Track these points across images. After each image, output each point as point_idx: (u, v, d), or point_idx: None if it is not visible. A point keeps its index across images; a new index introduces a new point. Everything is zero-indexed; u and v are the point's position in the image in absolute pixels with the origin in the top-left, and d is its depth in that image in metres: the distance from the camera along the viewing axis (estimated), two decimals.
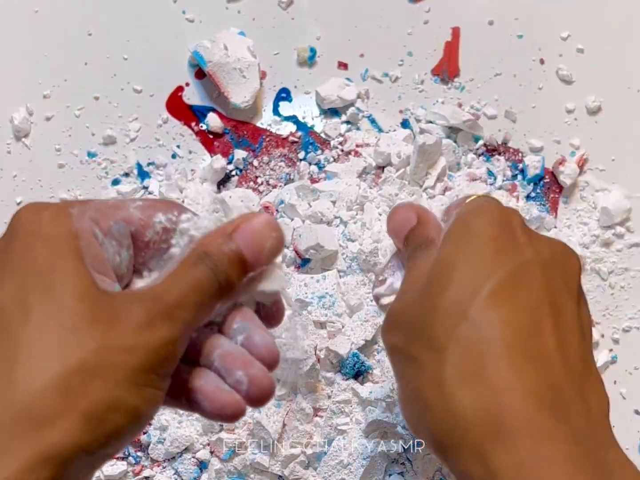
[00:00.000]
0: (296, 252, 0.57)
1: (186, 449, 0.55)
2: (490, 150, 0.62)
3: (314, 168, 0.61)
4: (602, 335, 0.60)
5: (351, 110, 0.62)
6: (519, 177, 0.62)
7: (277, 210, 0.60)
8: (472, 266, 0.35)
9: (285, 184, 0.61)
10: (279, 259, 0.37)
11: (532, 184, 0.62)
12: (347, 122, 0.63)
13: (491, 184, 0.61)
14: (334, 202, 0.59)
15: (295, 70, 0.64)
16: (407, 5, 0.65)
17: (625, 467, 0.33)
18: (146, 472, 0.56)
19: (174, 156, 0.62)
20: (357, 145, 0.61)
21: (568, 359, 0.34)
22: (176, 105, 0.63)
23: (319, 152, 0.62)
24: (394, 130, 0.62)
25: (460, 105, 0.63)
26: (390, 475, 0.55)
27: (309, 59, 0.63)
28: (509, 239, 0.36)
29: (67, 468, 0.29)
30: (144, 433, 0.56)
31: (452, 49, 0.64)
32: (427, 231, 0.40)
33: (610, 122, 0.63)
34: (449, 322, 0.34)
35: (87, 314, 0.31)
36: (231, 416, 0.35)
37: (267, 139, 0.62)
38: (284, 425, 0.54)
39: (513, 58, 0.64)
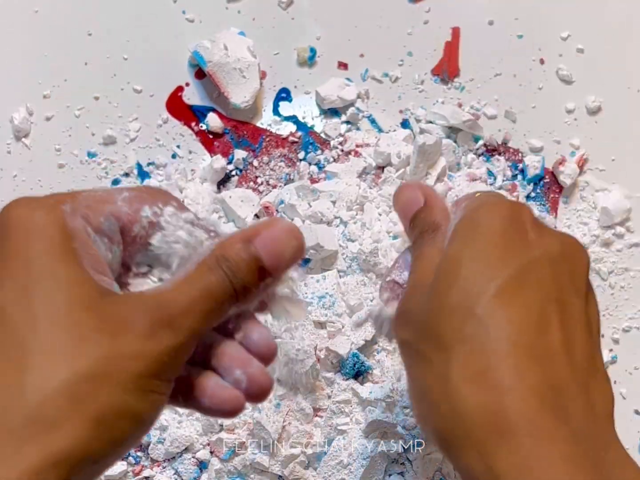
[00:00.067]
0: None
1: (186, 449, 0.55)
2: (490, 150, 0.62)
3: (314, 168, 0.61)
4: (602, 335, 0.60)
5: (351, 110, 0.62)
6: (519, 177, 0.62)
7: (277, 210, 0.60)
8: (480, 263, 0.35)
9: (285, 184, 0.61)
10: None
11: (532, 184, 0.62)
12: (347, 122, 0.63)
13: (491, 184, 0.61)
14: (334, 202, 0.59)
15: (295, 70, 0.64)
16: (407, 5, 0.65)
17: (625, 466, 0.33)
18: (146, 472, 0.56)
19: (174, 156, 0.62)
20: (357, 145, 0.61)
21: (574, 356, 0.34)
22: (176, 105, 0.63)
23: (319, 152, 0.62)
24: (394, 131, 0.62)
25: (460, 105, 0.63)
26: (390, 475, 0.55)
27: (309, 59, 0.63)
28: (517, 235, 0.36)
29: (75, 473, 0.29)
30: None
31: (452, 49, 0.64)
32: (434, 215, 0.40)
33: (610, 122, 0.63)
34: (456, 321, 0.34)
35: (93, 322, 0.31)
36: (231, 412, 0.35)
37: (267, 139, 0.62)
38: (284, 425, 0.54)
39: (513, 58, 0.64)
